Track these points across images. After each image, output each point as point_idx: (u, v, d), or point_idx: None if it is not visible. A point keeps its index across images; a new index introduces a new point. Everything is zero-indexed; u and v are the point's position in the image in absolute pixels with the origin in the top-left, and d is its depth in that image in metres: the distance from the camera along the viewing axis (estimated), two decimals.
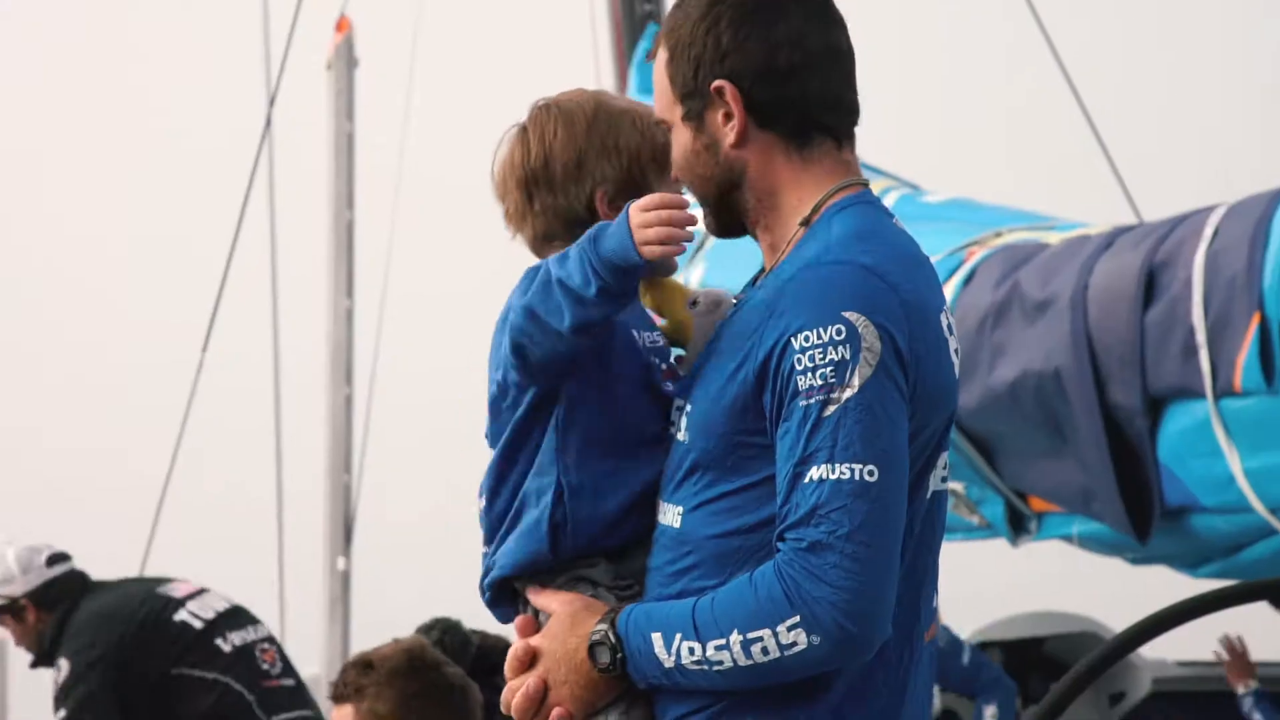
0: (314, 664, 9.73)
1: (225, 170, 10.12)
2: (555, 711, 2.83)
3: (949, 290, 6.44)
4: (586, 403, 2.96)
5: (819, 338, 2.70)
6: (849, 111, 2.91)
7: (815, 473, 2.68)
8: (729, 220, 2.93)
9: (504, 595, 3.02)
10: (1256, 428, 5.54)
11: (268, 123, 9.06)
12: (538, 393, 2.98)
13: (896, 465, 2.70)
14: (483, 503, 3.04)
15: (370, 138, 9.88)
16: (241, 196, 9.16)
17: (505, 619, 3.02)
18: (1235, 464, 5.62)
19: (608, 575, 2.94)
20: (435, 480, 11.50)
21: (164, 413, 9.62)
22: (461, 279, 11.49)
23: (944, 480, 2.85)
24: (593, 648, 2.82)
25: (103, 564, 7.35)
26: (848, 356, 2.69)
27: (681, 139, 2.91)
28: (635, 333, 3.02)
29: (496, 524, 3.02)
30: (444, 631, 6.12)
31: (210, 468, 11.20)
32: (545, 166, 3.09)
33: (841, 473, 2.67)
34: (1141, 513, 5.96)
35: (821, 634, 2.68)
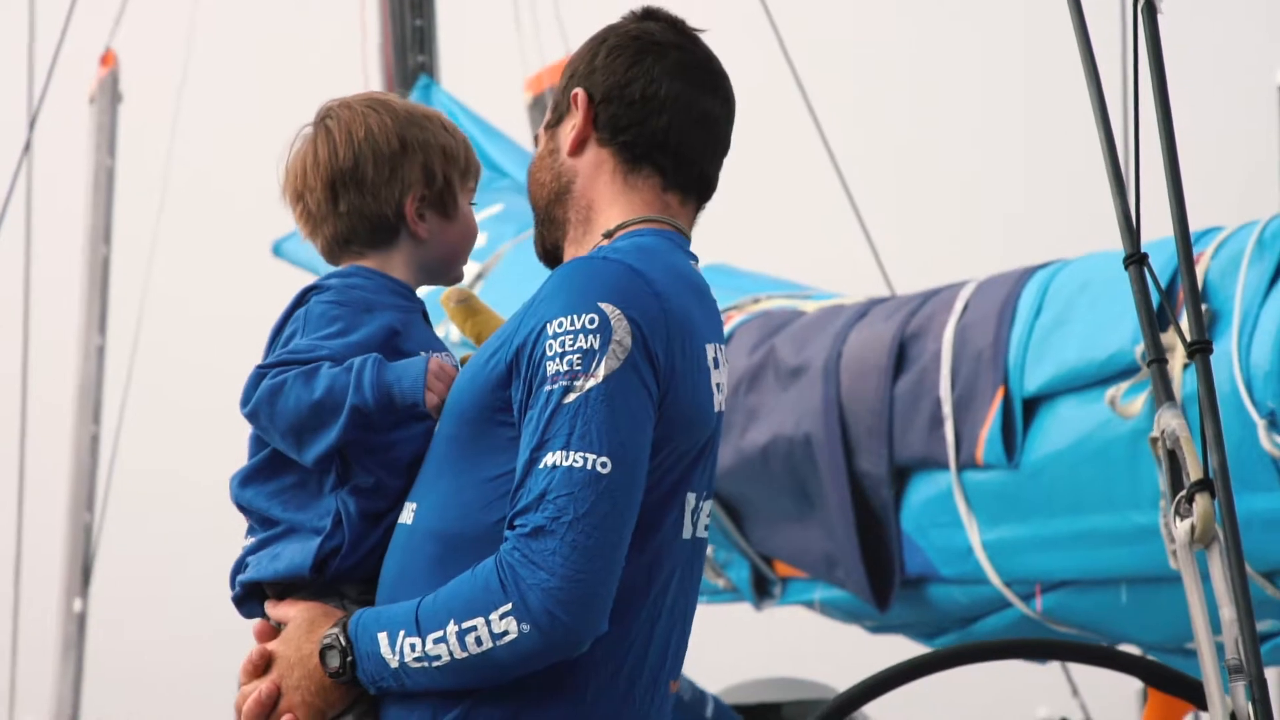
0: (44, 707, 9.53)
1: None
2: (286, 718, 2.81)
3: None
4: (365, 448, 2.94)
5: (572, 324, 2.71)
6: (698, 176, 2.98)
7: (550, 459, 2.67)
8: (548, 236, 2.97)
9: (253, 594, 2.99)
10: (996, 501, 5.64)
11: (27, 145, 8.92)
12: None
13: (632, 461, 2.68)
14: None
15: (131, 174, 9.76)
16: None
17: (249, 616, 2.99)
18: (974, 536, 5.71)
19: (356, 590, 2.91)
20: (179, 525, 11.33)
21: None
22: (217, 318, 11.37)
23: (706, 530, 2.86)
24: (324, 652, 2.79)
25: None
26: (596, 346, 2.69)
27: (541, 147, 3.01)
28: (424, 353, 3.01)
29: (262, 523, 2.99)
30: None
31: None
32: (355, 166, 3.01)
33: (574, 460, 2.66)
34: (882, 581, 6.04)
35: (531, 622, 2.64)
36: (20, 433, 9.25)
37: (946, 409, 5.64)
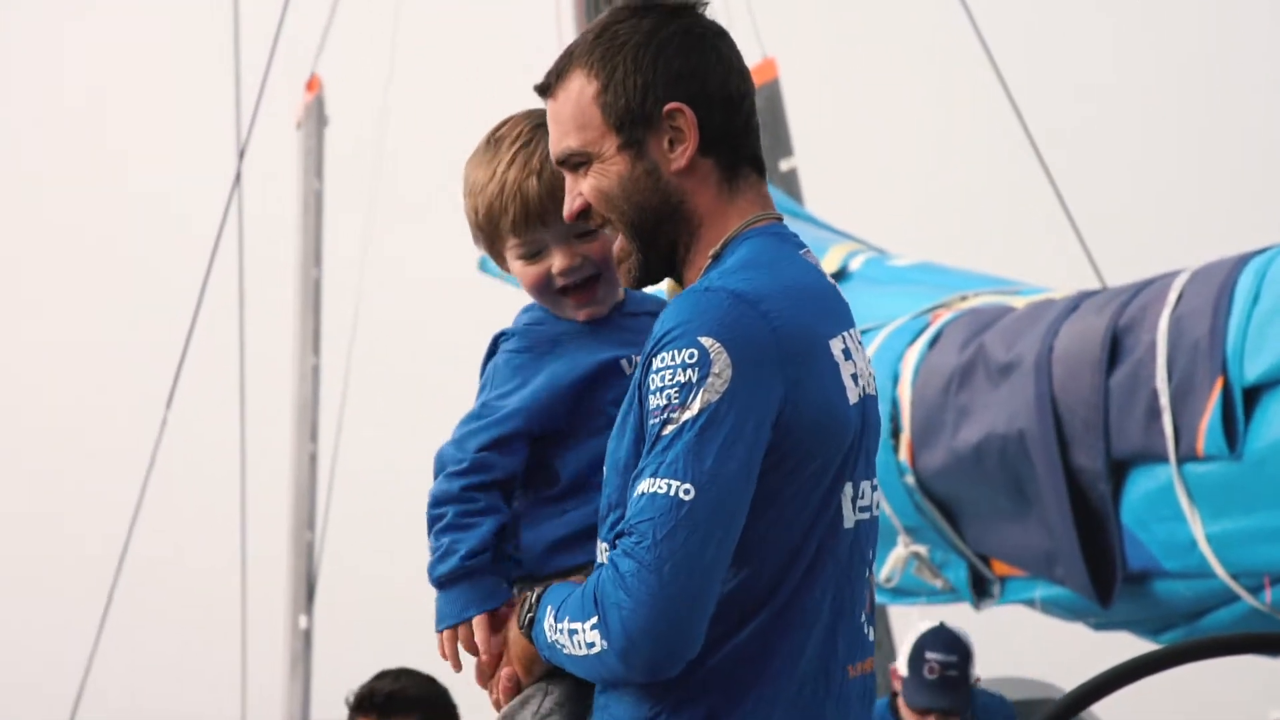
0: None
1: (193, 226, 10.13)
2: (505, 670, 2.95)
3: (914, 353, 6.47)
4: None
5: (672, 359, 2.74)
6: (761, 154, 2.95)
7: (642, 485, 2.73)
8: (655, 259, 2.91)
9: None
10: (1219, 493, 5.55)
11: (238, 177, 9.07)
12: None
13: (721, 490, 2.70)
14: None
15: (339, 196, 9.91)
16: (209, 253, 9.15)
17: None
18: (1198, 529, 5.62)
19: None
20: (398, 539, 11.46)
21: (127, 464, 9.60)
22: (428, 334, 11.50)
23: (865, 511, 2.86)
24: (520, 604, 2.92)
25: (60, 631, 7.27)
26: (694, 379, 2.72)
27: (615, 169, 2.88)
28: (625, 361, 3.05)
29: None
30: None
31: (172, 525, 11.16)
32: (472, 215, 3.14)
33: (659, 487, 2.71)
34: (1104, 577, 5.96)
35: (609, 640, 2.72)
36: (240, 454, 9.42)
37: (1164, 400, 5.56)
